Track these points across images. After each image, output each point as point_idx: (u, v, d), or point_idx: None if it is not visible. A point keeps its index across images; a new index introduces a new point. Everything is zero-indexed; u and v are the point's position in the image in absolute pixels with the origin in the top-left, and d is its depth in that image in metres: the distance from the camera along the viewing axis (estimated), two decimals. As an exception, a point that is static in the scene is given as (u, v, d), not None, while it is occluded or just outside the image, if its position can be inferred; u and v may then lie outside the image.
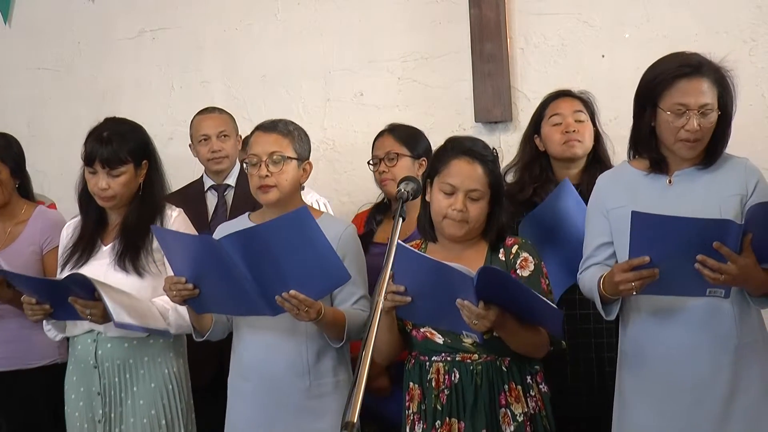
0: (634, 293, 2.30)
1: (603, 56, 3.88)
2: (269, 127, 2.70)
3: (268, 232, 2.37)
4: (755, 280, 2.25)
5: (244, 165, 2.73)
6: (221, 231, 2.68)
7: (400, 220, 2.28)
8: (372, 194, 3.41)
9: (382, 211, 3.27)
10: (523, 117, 3.94)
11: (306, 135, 2.74)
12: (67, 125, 4.62)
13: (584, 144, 3.00)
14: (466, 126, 4.01)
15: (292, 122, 2.74)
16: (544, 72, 3.94)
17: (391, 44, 4.17)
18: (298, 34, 4.34)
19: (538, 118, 3.10)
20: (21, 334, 3.12)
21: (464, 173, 2.42)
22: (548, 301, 2.30)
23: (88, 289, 2.56)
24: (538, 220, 2.82)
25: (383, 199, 3.30)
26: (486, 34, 3.93)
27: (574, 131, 2.98)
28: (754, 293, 2.33)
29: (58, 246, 3.03)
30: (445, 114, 4.05)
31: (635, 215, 2.19)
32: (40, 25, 4.77)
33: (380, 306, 2.02)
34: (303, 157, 2.70)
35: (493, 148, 2.52)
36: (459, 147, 2.48)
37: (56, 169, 4.32)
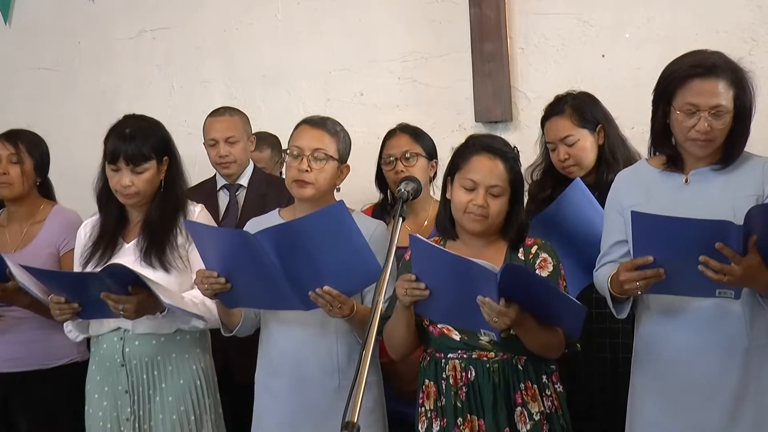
0: (639, 293, 2.30)
1: (603, 56, 3.88)
2: (318, 122, 2.68)
3: (305, 226, 2.35)
4: (762, 281, 2.22)
5: (284, 155, 2.70)
6: (252, 225, 2.66)
7: (401, 220, 2.28)
8: (373, 194, 3.41)
9: (387, 212, 3.24)
10: (524, 117, 3.95)
11: (350, 138, 2.73)
12: (67, 125, 4.63)
13: (583, 164, 2.96)
14: (467, 126, 4.01)
15: (339, 123, 2.73)
16: (544, 72, 3.95)
17: (391, 44, 4.17)
18: (298, 34, 4.35)
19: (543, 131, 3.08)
20: (40, 335, 3.10)
21: (485, 169, 2.41)
22: (572, 298, 2.29)
23: (121, 283, 2.51)
24: (548, 220, 2.81)
25: (385, 198, 3.29)
26: (486, 33, 3.93)
27: (566, 159, 2.95)
28: (765, 294, 2.31)
29: (74, 248, 3.02)
30: (445, 114, 4.05)
31: (635, 215, 2.19)
32: (40, 25, 4.77)
33: (380, 306, 2.03)
34: (343, 160, 2.69)
35: (514, 147, 2.51)
36: (480, 144, 2.48)
37: (56, 169, 4.30)
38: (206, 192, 3.70)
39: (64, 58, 4.74)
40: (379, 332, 2.51)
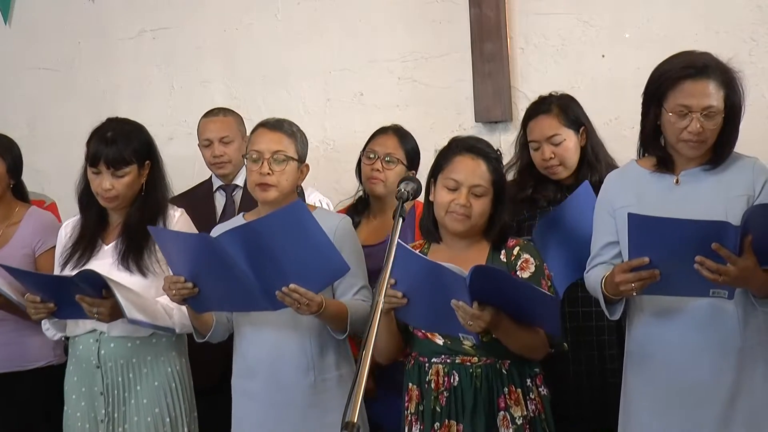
0: (634, 294, 2.30)
1: (603, 56, 3.88)
2: (274, 125, 2.71)
3: (265, 226, 2.37)
4: (757, 281, 2.23)
5: (244, 159, 2.73)
6: (217, 231, 2.68)
7: (400, 220, 2.28)
8: (372, 194, 3.41)
9: (360, 212, 3.25)
10: (524, 117, 3.94)
11: (306, 137, 2.76)
12: (67, 125, 4.62)
13: (567, 164, 2.97)
14: (466, 126, 4.00)
15: (294, 123, 2.76)
16: (544, 72, 3.94)
17: (391, 44, 4.17)
18: (298, 34, 4.34)
19: (524, 131, 3.07)
20: (16, 336, 3.10)
21: (468, 169, 2.43)
22: (542, 289, 2.29)
23: (95, 287, 2.54)
24: (555, 222, 2.81)
25: (362, 195, 3.30)
26: (486, 34, 3.93)
27: (551, 158, 2.96)
28: (758, 294, 2.31)
29: (50, 248, 3.02)
30: (445, 114, 4.05)
31: (631, 217, 2.19)
32: (40, 25, 4.77)
33: (380, 306, 2.02)
34: (302, 159, 2.72)
35: (497, 148, 2.53)
36: (463, 144, 2.51)
37: (56, 169, 4.32)
38: (203, 194, 3.71)
39: (64, 58, 4.73)
40: (362, 327, 2.52)
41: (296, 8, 4.35)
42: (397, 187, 2.45)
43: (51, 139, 4.61)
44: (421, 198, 2.58)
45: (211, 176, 3.78)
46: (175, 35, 4.55)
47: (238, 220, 2.74)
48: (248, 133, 3.80)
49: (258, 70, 4.40)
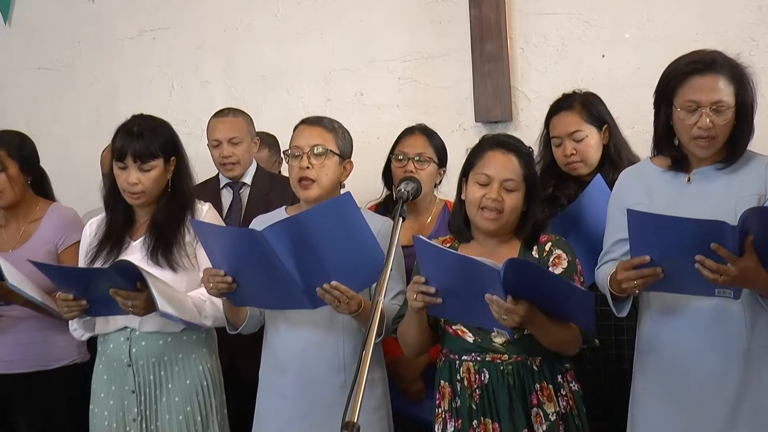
0: (637, 291, 2.30)
1: (603, 56, 3.88)
2: (314, 121, 2.71)
3: (312, 219, 2.35)
4: (759, 281, 2.21)
5: (285, 158, 2.73)
6: (259, 223, 2.65)
7: (400, 220, 2.28)
8: (373, 194, 3.41)
9: (390, 210, 3.24)
10: (524, 117, 3.95)
11: (349, 134, 2.75)
12: (67, 125, 4.63)
13: (588, 161, 2.95)
14: (466, 126, 4.01)
15: (337, 121, 2.75)
16: (544, 72, 3.95)
17: (391, 44, 4.18)
18: (298, 34, 4.35)
19: (547, 128, 3.06)
20: (40, 336, 3.09)
21: (499, 163, 2.41)
22: (576, 285, 2.27)
23: (129, 279, 2.51)
24: (569, 218, 2.80)
25: (390, 195, 3.29)
26: (486, 34, 3.94)
27: (572, 154, 2.94)
28: (764, 294, 2.29)
29: (73, 244, 3.01)
30: (445, 114, 4.05)
31: (630, 214, 2.18)
32: (40, 25, 4.78)
33: (380, 306, 2.02)
34: (345, 155, 2.70)
35: (529, 146, 2.52)
36: (494, 140, 2.49)
37: (56, 169, 4.30)
38: (210, 190, 3.70)
39: (64, 58, 4.74)
40: (393, 331, 2.51)
41: (296, 8, 4.35)
42: (397, 187, 2.45)
43: (51, 139, 4.60)
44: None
45: (218, 173, 3.77)
46: (175, 35, 4.55)
47: (281, 213, 2.72)
48: (256, 133, 3.82)
49: (258, 70, 4.41)
